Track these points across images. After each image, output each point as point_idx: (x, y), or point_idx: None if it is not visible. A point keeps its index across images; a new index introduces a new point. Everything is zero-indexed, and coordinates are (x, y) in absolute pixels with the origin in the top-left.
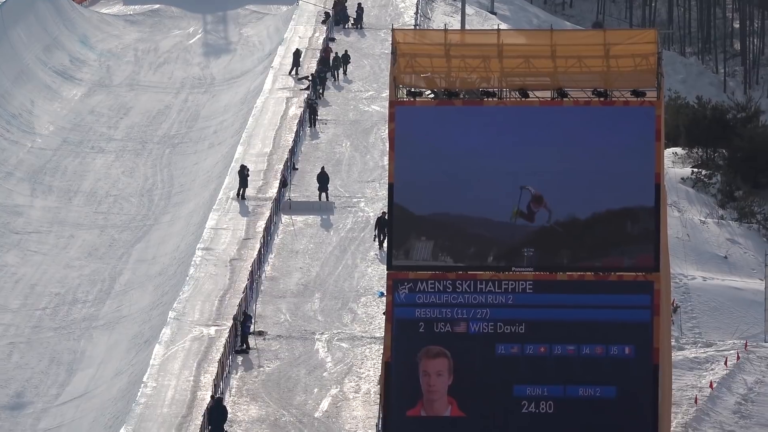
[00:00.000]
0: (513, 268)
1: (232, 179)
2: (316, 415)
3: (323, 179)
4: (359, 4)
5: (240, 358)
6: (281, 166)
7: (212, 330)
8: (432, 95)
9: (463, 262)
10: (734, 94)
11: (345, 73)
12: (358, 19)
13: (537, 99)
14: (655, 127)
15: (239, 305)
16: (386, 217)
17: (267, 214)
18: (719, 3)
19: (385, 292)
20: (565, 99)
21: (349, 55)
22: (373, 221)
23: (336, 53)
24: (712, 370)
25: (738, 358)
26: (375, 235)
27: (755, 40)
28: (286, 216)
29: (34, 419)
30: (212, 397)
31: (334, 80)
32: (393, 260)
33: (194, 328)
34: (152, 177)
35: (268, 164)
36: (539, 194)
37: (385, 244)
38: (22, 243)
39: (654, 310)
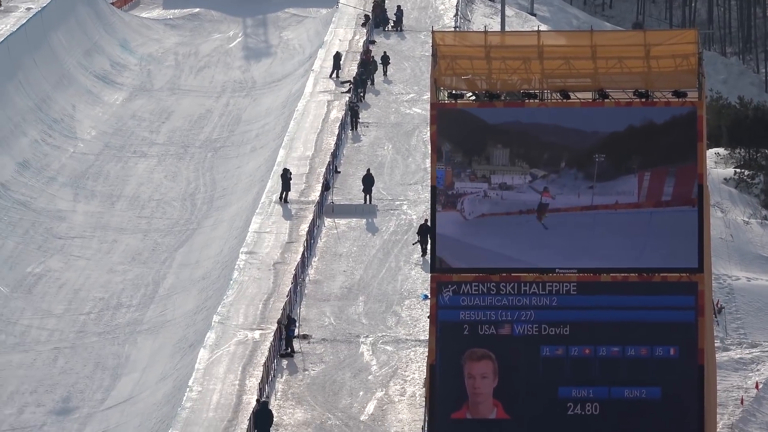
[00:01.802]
0: (557, 270)
1: (274, 183)
2: (361, 419)
3: (369, 181)
4: (399, 6)
5: (285, 362)
6: (323, 169)
7: (257, 334)
8: (473, 97)
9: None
10: None
11: (385, 74)
12: (398, 22)
13: (578, 100)
14: (697, 128)
15: (283, 309)
16: (428, 224)
17: (310, 217)
18: (759, 2)
19: (429, 295)
20: (606, 100)
21: (388, 57)
22: (415, 225)
23: (373, 57)
24: (757, 370)
25: None
26: (418, 241)
27: None
28: (329, 219)
29: (80, 424)
30: (258, 401)
31: (371, 84)
32: (436, 263)
33: (239, 332)
34: (195, 181)
35: (310, 167)
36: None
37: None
38: (66, 248)
39: (698, 311)
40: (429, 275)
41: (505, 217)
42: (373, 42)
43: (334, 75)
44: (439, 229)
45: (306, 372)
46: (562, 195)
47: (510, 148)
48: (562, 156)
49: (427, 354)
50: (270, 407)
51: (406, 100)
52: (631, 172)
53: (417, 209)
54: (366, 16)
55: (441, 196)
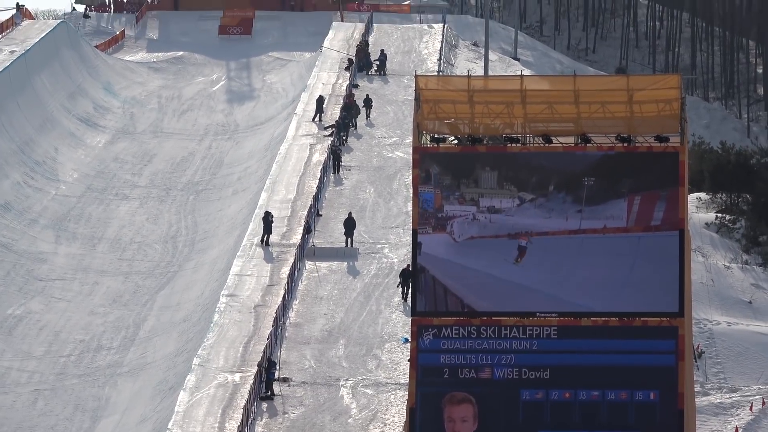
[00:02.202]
0: (537, 314)
1: (256, 225)
2: None
3: (350, 224)
4: (382, 50)
5: (265, 405)
6: (305, 213)
7: (237, 376)
8: (456, 141)
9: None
10: (758, 139)
11: (368, 117)
12: (382, 66)
13: (560, 144)
14: (679, 173)
15: (264, 352)
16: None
17: (291, 260)
18: (742, 48)
19: (409, 338)
20: (588, 144)
21: (371, 100)
22: (397, 267)
23: (355, 101)
24: (737, 415)
25: (764, 403)
26: (399, 284)
27: None
28: (310, 262)
29: None
30: None
31: (353, 128)
32: (417, 306)
33: (219, 374)
34: (176, 224)
35: (292, 210)
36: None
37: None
38: (47, 290)
39: (679, 355)
40: (410, 319)
41: (493, 240)
42: (356, 86)
43: (317, 119)
44: (426, 250)
45: (286, 415)
46: (550, 219)
47: (498, 170)
48: (550, 179)
49: (407, 397)
50: None
51: (389, 143)
52: (621, 196)
53: (398, 252)
54: (349, 60)
55: (431, 219)
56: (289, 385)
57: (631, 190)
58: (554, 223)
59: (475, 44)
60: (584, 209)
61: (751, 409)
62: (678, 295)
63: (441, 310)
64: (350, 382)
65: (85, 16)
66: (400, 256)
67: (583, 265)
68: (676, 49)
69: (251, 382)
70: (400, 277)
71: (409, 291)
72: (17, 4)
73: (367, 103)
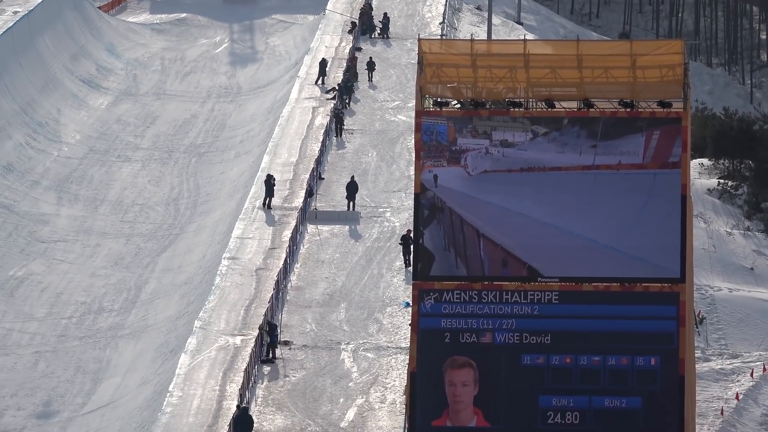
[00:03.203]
0: (539, 279)
1: (258, 189)
2: (341, 425)
3: (352, 188)
4: (385, 14)
5: (266, 368)
6: (307, 176)
7: (238, 339)
8: (458, 105)
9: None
10: (761, 105)
11: (370, 80)
12: (385, 29)
13: (563, 109)
14: (682, 138)
15: (265, 315)
16: (411, 235)
17: (293, 223)
18: (746, 14)
19: (410, 303)
20: (591, 109)
21: (374, 63)
22: (399, 231)
23: (353, 65)
24: (738, 381)
25: (765, 369)
26: (403, 254)
27: None
28: (312, 225)
29: (60, 428)
30: (238, 406)
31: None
32: (419, 270)
33: (220, 337)
34: (178, 186)
35: (294, 174)
36: None
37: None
38: (48, 252)
39: (680, 321)
40: (411, 283)
41: (507, 174)
42: (359, 49)
43: (319, 81)
44: (442, 182)
45: (287, 378)
46: (563, 154)
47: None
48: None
49: (408, 361)
50: (250, 413)
51: (392, 107)
52: (639, 131)
53: (400, 216)
54: (353, 23)
55: (445, 152)
56: (290, 349)
57: (650, 124)
58: (568, 158)
59: (478, 8)
60: (599, 144)
61: (751, 375)
62: (680, 260)
63: (458, 247)
64: (351, 345)
65: None
66: (402, 219)
67: (596, 202)
68: (680, 15)
69: (252, 345)
70: (401, 242)
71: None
72: None
73: (370, 66)
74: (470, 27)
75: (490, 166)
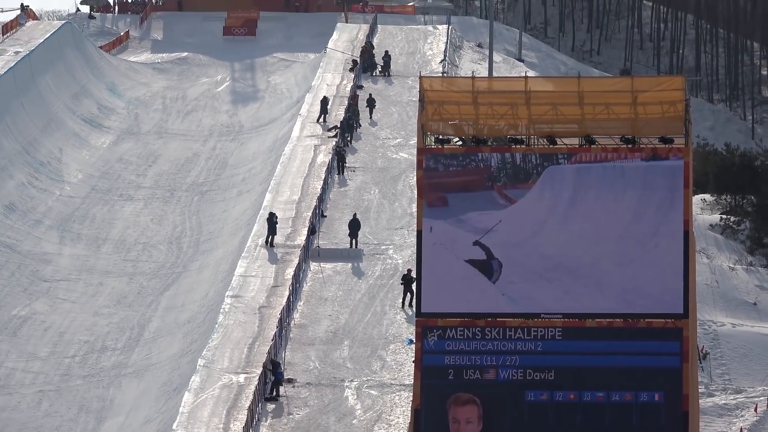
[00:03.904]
0: (542, 315)
1: (260, 227)
2: None
3: (355, 226)
4: (386, 51)
5: (270, 406)
6: (310, 214)
7: (242, 377)
8: (460, 142)
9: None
10: (762, 140)
11: (371, 117)
12: (386, 67)
13: (564, 146)
14: (684, 175)
15: (268, 353)
16: (411, 275)
17: (296, 261)
18: (747, 50)
19: (414, 340)
20: (593, 146)
21: (374, 100)
22: (402, 268)
23: (355, 103)
24: (742, 416)
25: None
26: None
27: None
28: (314, 263)
29: None
30: None
31: (357, 129)
32: (422, 307)
33: (223, 375)
34: (181, 224)
35: (296, 211)
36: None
37: (407, 304)
38: (51, 291)
39: (683, 356)
40: (414, 320)
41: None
42: (360, 87)
43: (321, 119)
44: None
45: (290, 416)
46: None
47: None
48: None
49: (411, 398)
50: None
51: (393, 144)
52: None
53: (403, 254)
54: (354, 61)
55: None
56: (293, 386)
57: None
58: None
59: (479, 45)
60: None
61: (755, 410)
62: (683, 296)
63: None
64: (355, 383)
65: (91, 17)
66: (404, 257)
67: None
68: (681, 51)
69: (256, 383)
70: (401, 281)
71: (406, 298)
72: (21, 4)
73: (370, 103)
74: (471, 64)
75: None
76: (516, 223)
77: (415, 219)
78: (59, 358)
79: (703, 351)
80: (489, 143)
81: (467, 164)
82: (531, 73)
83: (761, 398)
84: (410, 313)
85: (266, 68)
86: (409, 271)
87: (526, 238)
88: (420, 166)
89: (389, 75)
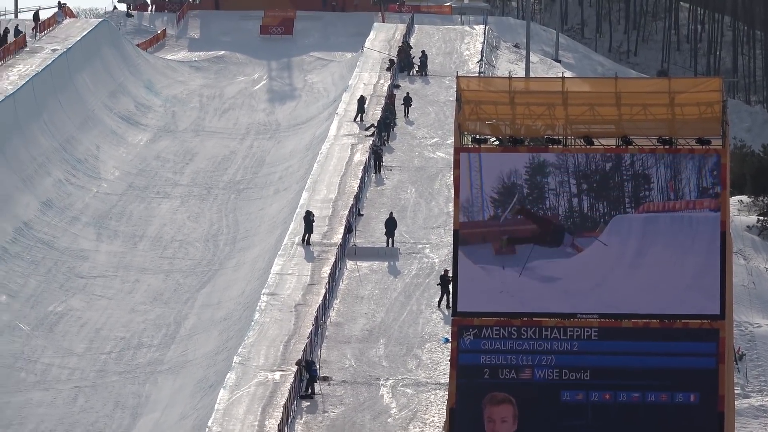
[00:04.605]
0: (578, 315)
1: (297, 225)
2: None
3: (391, 224)
4: (423, 51)
5: (305, 404)
6: (346, 212)
7: (277, 375)
8: (497, 142)
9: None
10: None
11: (407, 116)
12: (423, 66)
13: (602, 146)
14: (721, 175)
15: (304, 350)
16: (448, 275)
17: (332, 259)
18: None
19: (450, 339)
20: (630, 146)
21: (411, 98)
22: (438, 268)
23: (391, 102)
24: None
25: None
26: (440, 295)
27: None
28: (351, 262)
29: None
30: None
31: (393, 128)
32: (458, 306)
33: (259, 372)
34: (217, 222)
35: (333, 210)
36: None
37: (443, 305)
38: (88, 287)
39: (719, 357)
40: (450, 319)
41: None
42: (397, 86)
43: (358, 118)
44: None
45: (326, 414)
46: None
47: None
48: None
49: (447, 397)
50: None
51: (430, 144)
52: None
53: (439, 253)
54: (391, 60)
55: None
56: (329, 384)
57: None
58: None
59: (516, 46)
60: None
61: None
62: (719, 297)
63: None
64: (390, 381)
65: (128, 15)
66: (441, 256)
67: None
68: (718, 53)
69: (291, 380)
70: (439, 282)
71: (443, 298)
72: (59, 2)
73: (407, 101)
74: (508, 65)
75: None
76: (583, 271)
77: (452, 218)
78: (95, 354)
79: (740, 352)
80: (526, 143)
81: (535, 212)
82: (568, 74)
83: None
84: (447, 312)
85: (303, 67)
86: (446, 271)
87: (592, 287)
88: (457, 165)
89: (426, 74)
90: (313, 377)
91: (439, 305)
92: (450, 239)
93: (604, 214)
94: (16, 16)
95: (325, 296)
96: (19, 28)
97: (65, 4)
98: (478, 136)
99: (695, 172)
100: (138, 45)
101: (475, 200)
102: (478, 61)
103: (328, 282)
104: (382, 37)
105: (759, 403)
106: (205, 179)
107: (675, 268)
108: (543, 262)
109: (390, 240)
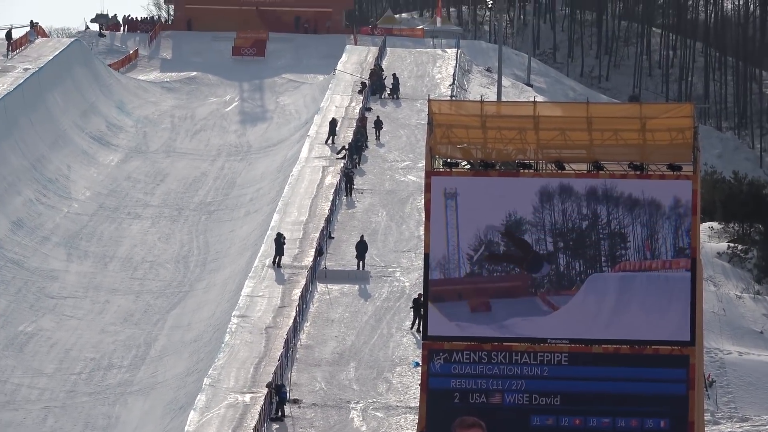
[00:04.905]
0: (549, 340)
1: (268, 247)
2: None
3: (362, 248)
4: (394, 74)
5: (275, 426)
6: (317, 235)
7: (247, 397)
8: (468, 166)
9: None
10: None
11: (378, 138)
12: (395, 89)
13: (573, 171)
14: (692, 202)
15: (274, 373)
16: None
17: (303, 282)
18: (755, 78)
19: (420, 362)
20: (601, 172)
21: (381, 122)
22: (409, 291)
23: (363, 125)
24: None
25: None
26: (412, 318)
27: None
28: (321, 284)
29: None
30: None
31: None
32: (428, 330)
33: (229, 395)
34: (188, 243)
35: (304, 232)
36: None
37: (415, 328)
38: (58, 308)
39: (690, 384)
40: (420, 343)
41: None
42: (369, 109)
43: (329, 141)
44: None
45: None
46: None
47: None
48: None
49: (417, 421)
50: None
51: (401, 167)
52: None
53: (410, 276)
54: (363, 83)
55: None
56: (299, 407)
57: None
58: None
59: (488, 70)
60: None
61: None
62: (690, 323)
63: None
64: (361, 404)
65: (100, 35)
66: (411, 279)
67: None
68: (689, 78)
69: (262, 402)
70: (411, 305)
71: (415, 322)
72: (31, 21)
73: (378, 124)
74: (480, 88)
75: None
76: (558, 330)
77: (423, 242)
78: (65, 375)
79: (710, 379)
80: (497, 167)
81: (511, 270)
82: (539, 98)
83: (767, 427)
84: (419, 336)
85: (275, 89)
86: (420, 295)
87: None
88: (428, 189)
89: (398, 98)
90: (283, 400)
91: (412, 328)
92: (421, 263)
93: (581, 272)
94: None
95: (295, 319)
96: None
97: (37, 23)
98: (449, 160)
99: (671, 231)
100: (110, 65)
101: (452, 257)
102: (449, 85)
103: (299, 304)
104: (354, 59)
105: (729, 429)
106: (176, 200)
107: (650, 316)
108: (518, 320)
109: (361, 263)
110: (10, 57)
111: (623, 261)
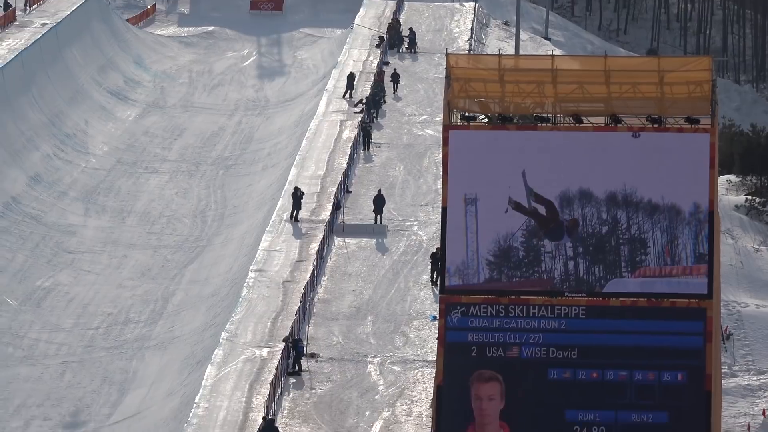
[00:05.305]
0: (566, 293)
1: (285, 201)
2: None
3: (379, 201)
4: (410, 28)
5: (292, 380)
6: (335, 189)
7: (264, 351)
8: (486, 120)
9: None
10: None
11: (395, 92)
12: (412, 44)
13: (590, 125)
14: (710, 155)
15: (291, 327)
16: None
17: (320, 236)
18: None
19: (437, 316)
20: (618, 125)
21: (399, 75)
22: (426, 245)
23: (380, 79)
24: (765, 397)
25: None
26: (431, 272)
27: None
28: (339, 238)
29: None
30: (264, 418)
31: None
32: (446, 283)
33: (247, 349)
34: (206, 198)
35: (321, 187)
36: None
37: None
38: (75, 262)
39: (706, 336)
40: (438, 297)
41: None
42: (387, 63)
43: (347, 95)
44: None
45: (313, 390)
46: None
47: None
48: None
49: (434, 375)
50: (276, 425)
51: (419, 121)
52: None
53: (427, 230)
54: (380, 37)
55: None
56: (316, 361)
57: None
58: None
59: (506, 23)
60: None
61: None
62: (707, 276)
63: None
64: (378, 358)
65: None
66: (429, 233)
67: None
68: (708, 32)
69: (279, 357)
70: (430, 259)
71: (434, 275)
72: None
73: (395, 78)
74: (498, 42)
75: None
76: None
77: (440, 196)
78: (83, 330)
79: (727, 331)
80: (515, 121)
81: (530, 275)
82: (557, 52)
83: None
84: (437, 291)
85: (293, 43)
86: (437, 249)
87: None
88: (446, 142)
89: (415, 52)
90: (300, 354)
91: (431, 282)
92: (438, 216)
93: (600, 278)
94: None
95: (312, 273)
96: (9, 2)
97: None
98: (467, 114)
99: (691, 237)
100: (128, 20)
101: (471, 263)
102: (467, 39)
103: (316, 259)
104: (372, 13)
105: (746, 382)
106: (193, 155)
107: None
108: None
109: (378, 217)
110: (27, 12)
111: (643, 267)
